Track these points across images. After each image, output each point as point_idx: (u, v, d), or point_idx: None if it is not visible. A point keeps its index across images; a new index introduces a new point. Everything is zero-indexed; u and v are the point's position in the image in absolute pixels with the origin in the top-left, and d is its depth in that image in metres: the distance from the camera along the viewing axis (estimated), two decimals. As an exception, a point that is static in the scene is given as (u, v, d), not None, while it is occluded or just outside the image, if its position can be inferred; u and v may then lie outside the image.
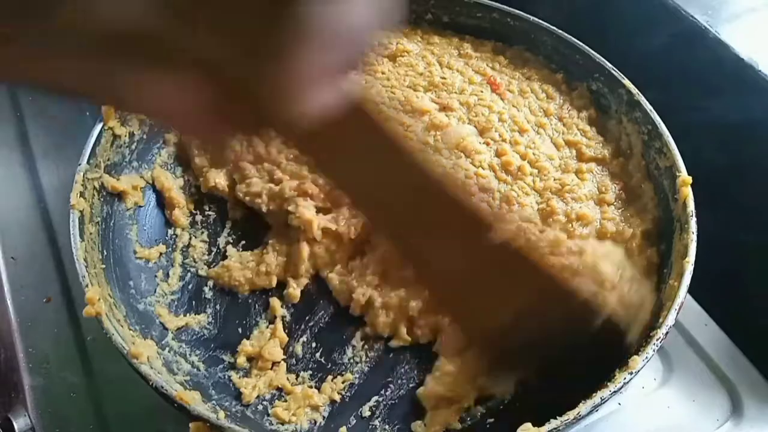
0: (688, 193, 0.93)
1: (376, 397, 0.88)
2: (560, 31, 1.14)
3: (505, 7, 1.19)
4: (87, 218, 0.89)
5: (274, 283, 0.97)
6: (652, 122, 1.01)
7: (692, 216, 0.91)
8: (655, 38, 1.16)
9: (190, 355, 0.90)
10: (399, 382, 0.90)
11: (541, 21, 1.16)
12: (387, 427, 0.86)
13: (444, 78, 1.15)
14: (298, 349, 0.92)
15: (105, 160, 0.97)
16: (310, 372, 0.90)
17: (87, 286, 0.81)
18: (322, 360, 0.91)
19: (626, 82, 1.06)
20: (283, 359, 0.90)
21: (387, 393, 0.89)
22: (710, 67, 1.10)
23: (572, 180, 1.02)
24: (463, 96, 1.12)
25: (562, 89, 1.15)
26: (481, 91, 1.13)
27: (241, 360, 0.90)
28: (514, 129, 1.08)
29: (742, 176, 1.10)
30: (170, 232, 1.02)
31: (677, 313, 0.82)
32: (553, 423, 0.75)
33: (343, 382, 0.89)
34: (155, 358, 0.84)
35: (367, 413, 0.87)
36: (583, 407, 0.75)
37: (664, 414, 0.95)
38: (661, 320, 0.82)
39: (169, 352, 0.89)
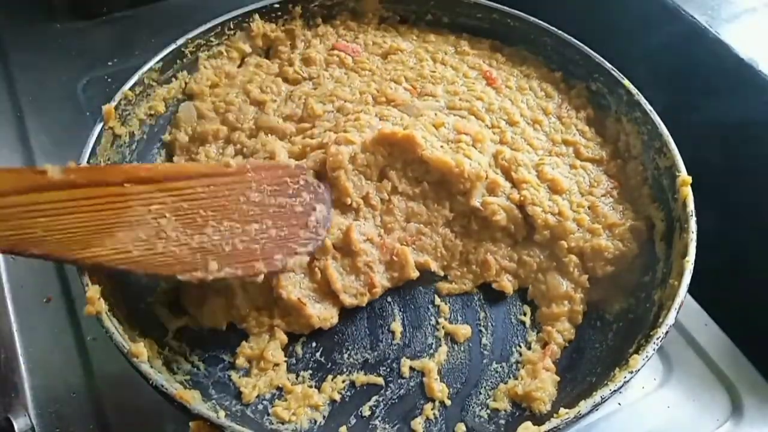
0: (687, 192, 0.93)
1: (375, 397, 0.88)
2: (560, 32, 1.15)
3: (506, 8, 1.19)
4: (87, 218, 0.89)
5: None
6: (651, 122, 1.01)
7: (692, 216, 0.91)
8: (656, 38, 1.16)
9: (190, 354, 0.90)
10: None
11: (541, 22, 1.16)
12: (387, 426, 0.85)
13: (434, 71, 1.14)
14: (299, 348, 0.92)
15: (105, 159, 0.97)
16: (310, 372, 0.90)
17: (87, 285, 0.81)
18: (322, 360, 0.91)
19: (626, 82, 1.06)
20: (284, 359, 0.90)
21: (387, 392, 0.89)
22: (710, 67, 1.11)
23: (552, 159, 1.03)
24: (453, 86, 1.10)
25: (561, 87, 1.15)
26: (473, 83, 1.13)
27: (241, 360, 0.89)
28: (502, 118, 1.07)
29: (741, 176, 1.10)
30: (170, 231, 1.02)
31: (677, 313, 0.82)
32: (554, 422, 0.75)
33: (343, 382, 0.89)
34: (155, 357, 0.84)
35: (367, 413, 0.87)
36: (583, 406, 0.76)
37: (664, 414, 0.95)
38: (661, 319, 0.83)
39: (169, 351, 0.88)
